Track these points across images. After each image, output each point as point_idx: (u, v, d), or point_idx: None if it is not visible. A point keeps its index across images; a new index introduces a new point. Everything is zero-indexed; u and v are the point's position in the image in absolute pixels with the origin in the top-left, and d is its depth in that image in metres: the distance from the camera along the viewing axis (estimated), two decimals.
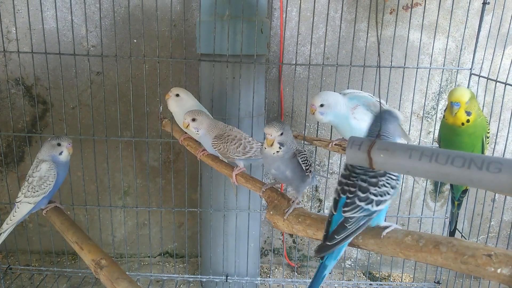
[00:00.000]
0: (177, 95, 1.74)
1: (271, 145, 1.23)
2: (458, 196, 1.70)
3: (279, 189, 1.38)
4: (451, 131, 1.49)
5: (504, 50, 2.19)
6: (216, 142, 1.56)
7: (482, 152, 1.52)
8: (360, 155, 0.90)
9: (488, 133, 1.52)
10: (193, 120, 1.57)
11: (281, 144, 1.24)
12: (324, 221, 1.13)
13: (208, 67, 2.03)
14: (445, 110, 1.49)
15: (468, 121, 1.42)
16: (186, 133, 1.85)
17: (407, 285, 2.53)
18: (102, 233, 2.48)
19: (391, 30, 2.31)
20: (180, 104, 1.75)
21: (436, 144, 2.49)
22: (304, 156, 1.27)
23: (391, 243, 0.95)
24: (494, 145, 2.24)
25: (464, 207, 2.43)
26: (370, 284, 2.52)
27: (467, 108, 1.41)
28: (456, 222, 1.78)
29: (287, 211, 1.21)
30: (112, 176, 2.52)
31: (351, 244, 1.03)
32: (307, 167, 1.28)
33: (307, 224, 1.16)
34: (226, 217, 2.21)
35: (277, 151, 1.24)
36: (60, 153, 1.68)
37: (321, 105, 1.60)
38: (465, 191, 1.69)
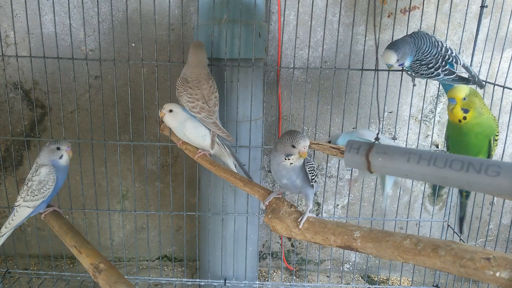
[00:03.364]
0: (171, 110, 1.74)
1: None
2: None
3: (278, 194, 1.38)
4: (454, 128, 1.49)
5: (502, 53, 2.19)
6: (181, 86, 1.70)
7: (489, 154, 1.51)
8: (358, 159, 0.90)
9: (497, 135, 1.51)
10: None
11: None
12: (322, 224, 1.13)
13: None
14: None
15: (465, 118, 1.42)
16: None
17: None
18: (101, 237, 2.48)
19: (389, 34, 2.31)
20: (176, 118, 1.74)
21: (434, 147, 2.50)
22: (311, 166, 1.25)
23: (389, 247, 0.95)
24: None
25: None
26: None
27: (463, 105, 1.41)
28: (465, 210, 1.75)
29: (300, 220, 1.17)
30: (110, 180, 2.51)
31: (348, 248, 1.02)
32: (313, 177, 1.26)
33: (305, 228, 1.15)
34: (225, 221, 2.21)
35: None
36: (60, 157, 1.68)
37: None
38: None
